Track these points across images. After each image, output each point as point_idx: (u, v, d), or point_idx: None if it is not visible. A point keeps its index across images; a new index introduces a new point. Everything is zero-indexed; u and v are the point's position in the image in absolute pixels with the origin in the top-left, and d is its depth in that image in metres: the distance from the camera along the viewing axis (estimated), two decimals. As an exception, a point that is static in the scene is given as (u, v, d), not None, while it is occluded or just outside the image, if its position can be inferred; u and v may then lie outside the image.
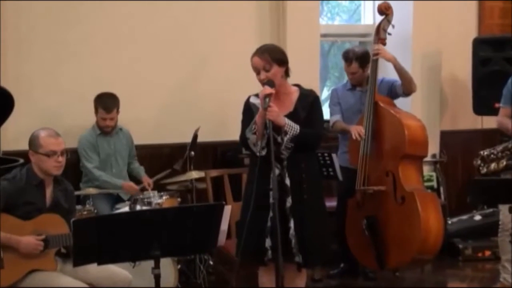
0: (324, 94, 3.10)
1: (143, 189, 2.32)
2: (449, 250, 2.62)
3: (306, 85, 1.79)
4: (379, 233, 2.14)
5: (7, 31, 2.37)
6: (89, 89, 2.42)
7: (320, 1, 2.86)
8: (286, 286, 1.54)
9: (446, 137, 2.97)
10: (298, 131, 1.67)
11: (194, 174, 2.31)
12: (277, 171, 1.62)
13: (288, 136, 1.66)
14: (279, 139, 1.67)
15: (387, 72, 2.37)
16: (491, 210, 2.76)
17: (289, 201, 1.67)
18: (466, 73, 2.87)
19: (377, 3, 2.40)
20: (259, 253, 1.67)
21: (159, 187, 2.35)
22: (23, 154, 1.80)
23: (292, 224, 1.67)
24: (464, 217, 2.82)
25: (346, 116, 2.36)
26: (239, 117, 1.77)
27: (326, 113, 2.27)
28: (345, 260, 2.41)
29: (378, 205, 2.17)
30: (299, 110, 1.71)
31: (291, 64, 1.74)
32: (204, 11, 2.65)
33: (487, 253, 2.64)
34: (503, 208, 2.14)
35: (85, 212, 2.02)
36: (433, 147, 2.87)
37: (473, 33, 2.93)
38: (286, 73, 1.74)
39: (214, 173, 2.31)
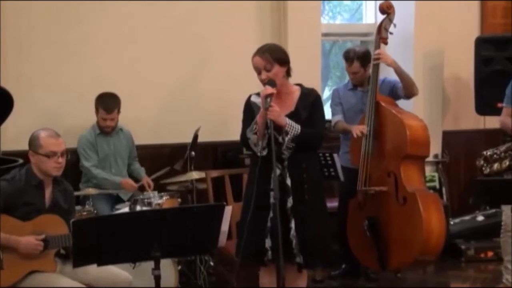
0: (326, 94, 3.09)
1: (142, 189, 2.31)
2: (451, 251, 2.61)
3: (308, 85, 1.78)
4: (381, 234, 2.14)
5: (7, 31, 2.37)
6: (89, 89, 2.42)
7: (321, 1, 2.85)
8: (287, 287, 1.53)
9: (448, 137, 2.96)
10: (299, 131, 1.66)
11: (195, 175, 2.30)
12: (278, 171, 1.61)
13: (289, 136, 1.66)
14: (280, 139, 1.67)
15: (389, 72, 2.36)
16: (493, 210, 2.75)
17: (290, 201, 1.67)
18: (468, 72, 2.86)
19: (378, 2, 2.38)
20: (259, 253, 1.66)
21: (159, 188, 2.34)
22: (23, 154, 1.79)
23: (293, 224, 1.66)
24: (467, 217, 2.81)
25: (348, 116, 2.36)
26: (240, 117, 1.76)
27: (328, 113, 2.26)
28: (347, 261, 2.40)
29: (380, 206, 2.16)
30: (300, 110, 1.70)
31: (292, 64, 1.73)
32: (204, 11, 2.64)
33: (490, 254, 2.63)
34: (506, 209, 2.14)
35: (84, 213, 2.01)
36: (435, 147, 2.86)
37: (475, 33, 2.92)
38: (288, 73, 1.73)
39: (214, 173, 2.30)
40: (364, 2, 3.05)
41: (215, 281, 2.30)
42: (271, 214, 1.64)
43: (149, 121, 2.62)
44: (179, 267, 2.16)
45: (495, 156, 2.12)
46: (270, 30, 2.70)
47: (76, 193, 1.91)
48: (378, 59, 2.20)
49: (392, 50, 2.52)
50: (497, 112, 2.31)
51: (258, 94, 1.73)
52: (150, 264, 1.42)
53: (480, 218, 2.78)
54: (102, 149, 2.37)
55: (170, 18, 2.61)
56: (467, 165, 2.94)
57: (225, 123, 2.64)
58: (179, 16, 2.62)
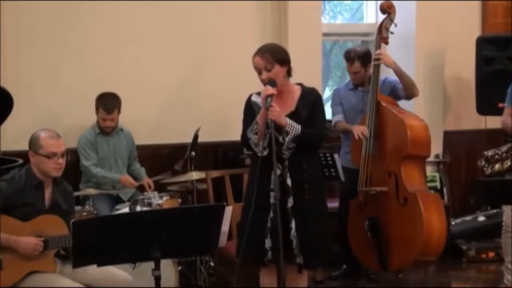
0: (326, 94, 3.09)
1: (142, 189, 2.31)
2: (452, 252, 2.61)
3: (308, 85, 1.77)
4: (382, 234, 2.13)
5: (7, 31, 2.37)
6: (89, 89, 2.42)
7: (322, 1, 2.85)
8: (287, 287, 1.52)
9: (450, 137, 2.95)
10: (299, 131, 1.66)
11: (195, 175, 2.30)
12: (278, 171, 1.61)
13: (289, 136, 1.65)
14: (280, 139, 1.66)
15: (389, 72, 2.35)
16: (494, 211, 2.75)
17: (290, 202, 1.66)
18: (469, 72, 2.85)
19: (379, 2, 2.37)
20: (260, 254, 1.66)
21: (160, 188, 2.33)
22: (23, 155, 1.79)
23: (293, 224, 1.66)
24: (468, 218, 2.80)
25: (348, 116, 2.35)
26: (240, 117, 1.75)
27: (329, 113, 2.26)
28: (347, 262, 2.39)
29: (381, 206, 2.15)
30: (300, 110, 1.70)
31: (292, 64, 1.72)
32: (204, 11, 2.64)
33: (491, 254, 2.62)
34: (507, 209, 2.13)
35: (84, 213, 2.01)
36: (436, 148, 2.85)
37: (476, 32, 2.91)
38: (288, 73, 1.72)
39: (215, 173, 2.29)
40: (365, 1, 3.05)
41: (216, 281, 2.30)
42: (271, 214, 1.64)
43: (149, 121, 2.62)
44: (179, 268, 2.15)
45: (496, 156, 2.12)
46: (270, 30, 2.70)
47: (76, 194, 1.91)
48: (378, 59, 2.18)
49: (393, 49, 2.51)
50: (498, 112, 2.30)
51: (258, 94, 1.72)
52: (150, 264, 1.41)
53: (481, 218, 2.77)
54: (101, 149, 2.37)
55: (170, 18, 2.61)
56: (468, 165, 2.93)
57: (225, 123, 2.64)
58: (179, 16, 2.62)
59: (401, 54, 2.51)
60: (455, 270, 2.57)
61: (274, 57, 1.67)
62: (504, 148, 2.11)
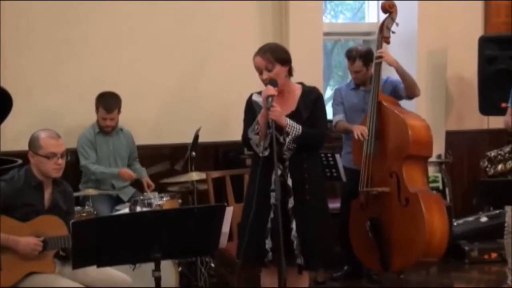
0: (328, 94, 3.07)
1: (142, 189, 2.30)
2: (454, 252, 2.59)
3: (309, 84, 1.76)
4: (383, 235, 2.12)
5: (6, 31, 2.37)
6: (89, 89, 2.41)
7: (323, 0, 2.83)
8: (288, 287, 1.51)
9: (452, 137, 2.94)
10: (300, 131, 1.65)
11: (195, 175, 2.28)
12: (279, 172, 1.60)
13: (290, 137, 1.64)
14: (281, 139, 1.65)
15: (391, 72, 2.34)
16: (497, 211, 2.73)
17: (291, 202, 1.65)
18: (472, 72, 2.84)
19: (381, 1, 2.35)
20: (260, 254, 1.65)
21: (160, 188, 2.32)
22: (23, 155, 1.77)
23: (294, 225, 1.65)
24: (470, 218, 2.78)
25: (349, 116, 2.34)
26: (241, 117, 1.74)
27: (330, 113, 2.25)
28: (349, 263, 2.38)
29: (382, 207, 2.14)
30: (301, 109, 1.69)
31: (294, 63, 1.71)
32: (204, 11, 2.63)
33: (494, 255, 2.61)
34: (509, 210, 2.12)
35: (84, 214, 2.00)
36: (438, 148, 2.83)
37: (479, 32, 2.89)
38: (289, 72, 1.71)
39: (215, 174, 2.28)
40: (366, 1, 3.03)
41: (216, 282, 2.29)
42: (271, 215, 1.63)
43: (150, 121, 2.61)
44: (180, 269, 2.14)
45: (499, 157, 2.11)
46: (271, 30, 2.69)
47: (75, 194, 1.90)
48: (380, 57, 2.17)
49: (395, 49, 2.50)
50: (501, 112, 2.29)
51: (259, 93, 1.71)
52: (150, 265, 1.41)
53: (484, 219, 2.76)
54: (101, 148, 2.36)
55: (170, 18, 2.60)
56: (471, 165, 2.92)
57: (226, 123, 2.63)
58: (179, 16, 2.61)
59: (402, 53, 2.49)
60: (458, 271, 2.56)
61: (275, 56, 1.66)
62: (507, 149, 2.11)
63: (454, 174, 2.94)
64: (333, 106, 2.40)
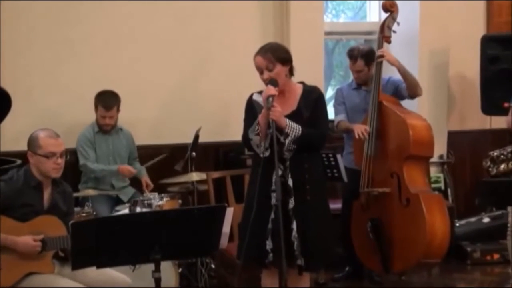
0: (329, 93, 3.06)
1: (141, 190, 2.29)
2: (457, 253, 2.58)
3: (311, 84, 1.75)
4: (384, 236, 2.10)
5: (6, 31, 2.37)
6: (89, 89, 2.40)
7: (324, 0, 2.82)
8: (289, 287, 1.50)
9: (454, 137, 2.92)
10: (300, 132, 1.63)
11: (195, 176, 2.27)
12: (280, 172, 1.58)
13: (289, 138, 1.63)
14: (281, 139, 1.64)
15: (393, 72, 2.32)
16: (499, 212, 2.72)
17: (291, 202, 1.64)
18: (474, 71, 2.82)
19: (382, 0, 2.33)
20: (260, 255, 1.64)
21: (160, 189, 2.31)
22: (23, 155, 1.76)
23: (294, 226, 1.64)
24: (472, 219, 2.77)
25: (351, 116, 2.32)
26: (242, 117, 1.73)
27: (331, 113, 2.24)
28: (350, 264, 2.37)
29: (383, 207, 2.13)
30: (302, 109, 1.68)
31: (294, 63, 1.70)
32: (205, 11, 2.63)
33: (496, 256, 2.59)
34: (512, 210, 2.10)
35: (84, 214, 1.99)
36: (441, 148, 2.82)
37: (481, 31, 2.88)
38: (290, 72, 1.70)
39: (215, 174, 2.27)
40: (367, 0, 3.02)
41: (216, 283, 2.28)
42: (272, 215, 1.62)
43: (150, 121, 2.61)
44: (180, 270, 2.13)
45: (502, 157, 2.09)
46: (272, 29, 2.68)
47: (75, 194, 1.89)
48: (381, 56, 2.16)
49: (397, 48, 2.48)
50: (503, 111, 2.28)
51: (260, 93, 1.70)
52: (150, 266, 1.40)
53: (486, 219, 2.74)
54: (100, 147, 2.35)
55: (170, 18, 2.59)
56: (473, 166, 2.90)
57: (226, 123, 2.62)
58: (180, 16, 2.61)
59: (404, 53, 2.48)
60: (460, 272, 2.54)
61: (276, 56, 1.65)
62: (509, 149, 2.09)
63: (456, 175, 2.92)
64: (334, 106, 2.39)
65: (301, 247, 1.63)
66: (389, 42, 2.25)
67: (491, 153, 2.11)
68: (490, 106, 2.71)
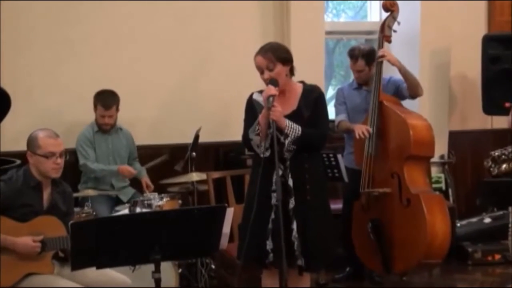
0: (330, 93, 3.06)
1: (141, 190, 2.28)
2: (457, 254, 2.57)
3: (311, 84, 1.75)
4: (385, 237, 2.10)
5: (6, 31, 2.36)
6: (89, 89, 2.40)
7: (325, 0, 2.81)
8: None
9: (455, 137, 2.91)
10: (299, 132, 1.63)
11: (196, 176, 2.27)
12: (280, 172, 1.58)
13: (289, 139, 1.62)
14: (282, 138, 1.63)
15: (395, 72, 2.31)
16: (501, 212, 2.70)
17: (292, 202, 1.64)
18: (475, 71, 2.81)
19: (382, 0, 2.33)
20: (261, 255, 1.63)
21: (160, 189, 2.31)
22: (23, 155, 1.75)
23: (294, 226, 1.63)
24: (474, 219, 2.76)
25: (352, 116, 2.32)
26: (242, 117, 1.73)
27: (332, 113, 2.23)
28: (351, 264, 2.36)
29: (384, 208, 2.12)
30: (302, 108, 1.67)
31: (295, 63, 1.70)
32: (205, 11, 2.62)
33: (497, 256, 2.58)
34: (514, 211, 2.09)
35: (83, 215, 1.98)
36: (442, 148, 2.81)
37: (482, 30, 2.87)
38: (291, 72, 1.70)
39: (216, 174, 2.26)
40: (368, 0, 3.01)
41: (217, 284, 2.27)
42: (272, 215, 1.61)
43: (150, 121, 2.60)
44: (180, 270, 2.12)
45: (503, 156, 2.09)
46: (272, 29, 2.67)
47: (74, 195, 1.88)
48: (382, 56, 2.15)
49: (398, 48, 2.48)
50: (505, 111, 2.28)
51: (260, 92, 1.70)
52: (150, 267, 1.39)
53: (487, 220, 2.73)
54: (99, 147, 2.34)
55: (170, 18, 2.59)
56: (474, 166, 2.89)
57: (226, 123, 2.61)
58: (180, 16, 2.60)
59: (405, 52, 2.47)
60: (461, 272, 2.53)
61: (276, 56, 1.65)
62: (510, 148, 2.10)
63: (457, 175, 2.91)
64: (335, 106, 2.38)
65: (302, 247, 1.63)
66: (389, 41, 2.24)
67: (492, 153, 2.12)
68: (491, 106, 2.70)
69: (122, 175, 2.29)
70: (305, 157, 1.66)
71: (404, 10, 2.32)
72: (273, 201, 1.60)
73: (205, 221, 1.41)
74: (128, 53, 2.54)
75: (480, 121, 2.93)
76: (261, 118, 1.62)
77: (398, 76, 2.28)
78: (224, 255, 2.05)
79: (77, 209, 1.97)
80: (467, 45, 2.84)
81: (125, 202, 2.30)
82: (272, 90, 1.61)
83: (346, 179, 2.26)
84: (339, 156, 2.25)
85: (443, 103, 2.88)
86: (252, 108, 1.70)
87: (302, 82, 1.74)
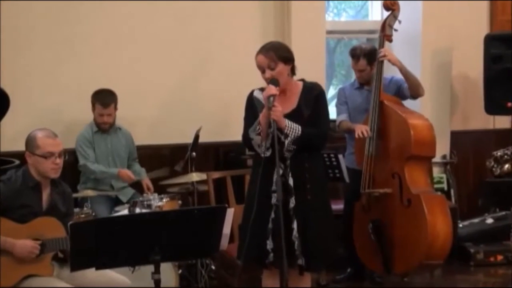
0: (331, 93, 3.04)
1: (141, 191, 2.28)
2: (459, 255, 2.55)
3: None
4: (385, 237, 2.08)
5: (6, 31, 2.36)
6: (89, 89, 2.39)
7: (326, 0, 2.80)
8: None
9: (457, 137, 2.90)
10: (299, 132, 1.62)
11: (196, 176, 2.26)
12: (280, 171, 1.57)
13: (289, 139, 1.61)
14: (282, 138, 1.62)
15: (396, 71, 2.29)
16: (503, 213, 2.68)
17: (292, 202, 1.63)
18: (477, 71, 2.79)
19: (383, -1, 2.32)
20: (261, 255, 1.62)
21: (160, 189, 2.30)
22: (22, 155, 1.74)
23: (295, 225, 1.62)
24: (476, 220, 2.74)
25: (353, 116, 2.30)
26: (242, 117, 1.72)
27: (333, 113, 2.21)
28: (352, 265, 2.35)
29: (384, 208, 2.11)
30: (302, 107, 1.66)
31: (296, 62, 1.68)
32: (205, 11, 2.61)
33: (500, 257, 2.56)
34: (517, 211, 2.08)
35: (83, 215, 1.98)
36: (443, 148, 2.80)
37: (484, 30, 2.86)
38: (292, 71, 1.68)
39: (216, 174, 2.25)
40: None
41: (217, 285, 2.26)
42: (272, 215, 1.61)
43: (149, 121, 2.60)
44: (180, 271, 2.11)
45: (505, 156, 2.08)
46: (273, 29, 2.67)
47: (74, 195, 1.88)
48: (383, 56, 2.14)
49: (399, 47, 2.47)
50: (507, 111, 2.28)
51: (261, 90, 1.68)
52: (150, 268, 1.39)
53: (490, 220, 2.71)
54: (99, 147, 2.33)
55: (170, 18, 2.58)
56: (476, 166, 2.87)
57: (227, 123, 2.60)
58: (180, 16, 2.60)
59: (407, 52, 2.46)
60: (463, 273, 2.51)
61: (278, 55, 1.64)
62: (513, 149, 2.06)
63: (459, 175, 2.89)
64: (337, 106, 2.37)
65: (302, 247, 1.62)
66: (390, 40, 2.23)
67: (494, 153, 2.10)
68: (493, 105, 2.69)
69: (122, 179, 2.28)
70: (306, 157, 1.65)
71: (406, 9, 2.31)
72: (273, 200, 1.59)
73: (205, 221, 1.41)
74: (128, 53, 2.54)
75: (482, 121, 2.91)
76: (261, 117, 1.62)
77: (399, 75, 2.26)
78: (224, 255, 2.04)
79: (76, 210, 1.96)
80: (469, 44, 2.82)
81: (124, 202, 2.29)
82: (273, 90, 1.60)
83: (347, 179, 2.25)
84: (340, 156, 2.24)
85: (445, 103, 2.86)
86: (252, 106, 1.68)
87: (302, 80, 1.72)
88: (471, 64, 2.85)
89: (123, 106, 2.39)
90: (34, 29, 2.44)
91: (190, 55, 2.62)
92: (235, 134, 1.91)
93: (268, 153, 1.59)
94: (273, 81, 1.62)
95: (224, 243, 1.63)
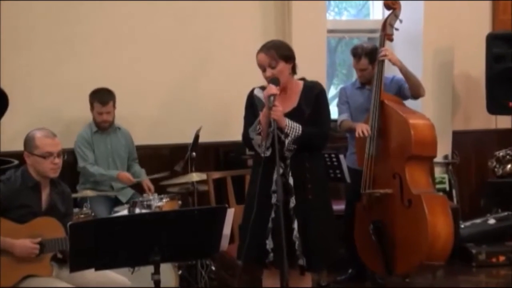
0: (332, 92, 3.03)
1: (141, 191, 2.27)
2: (461, 255, 2.54)
3: (313, 82, 1.73)
4: (387, 238, 2.07)
5: (6, 31, 2.36)
6: (89, 89, 2.39)
7: (326, 0, 2.80)
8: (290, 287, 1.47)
9: (459, 137, 2.88)
10: (300, 132, 1.61)
11: (196, 176, 2.25)
12: (280, 171, 1.56)
13: (289, 138, 1.60)
14: (282, 137, 1.62)
15: (397, 71, 2.27)
16: (505, 213, 2.67)
17: (292, 201, 1.62)
18: (479, 70, 2.78)
19: (384, -2, 2.31)
20: (261, 255, 1.61)
21: (159, 190, 2.30)
22: (21, 155, 1.73)
23: (295, 225, 1.61)
24: (478, 220, 2.72)
25: (355, 115, 2.29)
26: (242, 116, 1.71)
27: (334, 113, 2.20)
28: (353, 266, 2.34)
29: (385, 209, 2.09)
30: (302, 105, 1.65)
31: (297, 61, 1.68)
32: (205, 10, 2.61)
33: (502, 258, 2.55)
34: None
35: (82, 216, 1.97)
36: (445, 148, 2.79)
37: (486, 29, 2.85)
38: (293, 70, 1.67)
39: (216, 174, 2.24)
40: (370, -1, 3.01)
41: (217, 285, 2.25)
42: (273, 215, 1.60)
43: (149, 121, 2.59)
44: (180, 272, 2.11)
45: (508, 157, 2.07)
46: (274, 28, 2.66)
47: (73, 195, 1.87)
48: (384, 55, 2.13)
49: (401, 47, 2.46)
50: (509, 111, 2.26)
51: (261, 88, 1.68)
52: (150, 268, 1.38)
53: (492, 221, 2.69)
54: (98, 147, 2.32)
55: (170, 18, 2.58)
56: (478, 166, 2.86)
57: (227, 123, 2.60)
58: (180, 16, 2.59)
59: (408, 51, 2.45)
60: (465, 274, 2.50)
61: (279, 53, 1.63)
62: (515, 149, 2.05)
63: (461, 175, 2.88)
64: (338, 105, 2.36)
65: (303, 246, 1.61)
66: (391, 40, 2.21)
67: (496, 153, 2.09)
68: (495, 105, 2.68)
69: (122, 182, 2.27)
70: (306, 156, 1.64)
71: (407, 8, 2.29)
72: (273, 200, 1.58)
73: (205, 222, 1.40)
74: (128, 53, 2.53)
75: (484, 120, 2.90)
76: (262, 117, 1.61)
77: (401, 75, 2.25)
78: (225, 256, 2.03)
79: (75, 210, 1.96)
80: (471, 43, 2.81)
81: (124, 202, 2.28)
82: (273, 89, 1.59)
83: (348, 179, 2.24)
84: (341, 157, 2.23)
85: (447, 103, 2.85)
86: (252, 104, 1.67)
87: (303, 78, 1.71)
88: (473, 64, 2.83)
89: (123, 106, 2.38)
90: (34, 29, 2.43)
91: (190, 55, 2.62)
92: (235, 134, 1.91)
93: (268, 153, 1.59)
94: (273, 80, 1.61)
95: (224, 243, 1.62)
